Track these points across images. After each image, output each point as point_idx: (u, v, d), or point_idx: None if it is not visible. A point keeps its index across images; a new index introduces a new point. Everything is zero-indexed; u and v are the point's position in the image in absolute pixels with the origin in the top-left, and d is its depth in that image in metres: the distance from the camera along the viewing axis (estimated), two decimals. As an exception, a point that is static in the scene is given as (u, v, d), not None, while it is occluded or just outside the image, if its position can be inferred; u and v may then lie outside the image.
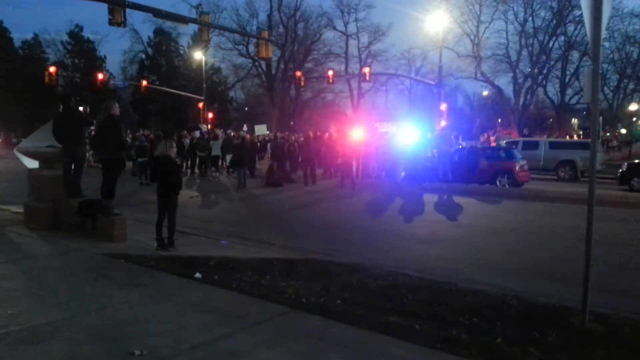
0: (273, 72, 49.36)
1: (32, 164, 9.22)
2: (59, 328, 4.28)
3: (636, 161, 20.61)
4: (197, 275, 5.86)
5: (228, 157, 20.95)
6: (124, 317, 4.54)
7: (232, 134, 27.28)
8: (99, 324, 4.37)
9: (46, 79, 28.59)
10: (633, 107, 54.08)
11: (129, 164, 21.66)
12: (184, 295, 5.25)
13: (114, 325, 4.36)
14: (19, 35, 61.37)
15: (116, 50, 71.61)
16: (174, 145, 7.94)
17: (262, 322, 4.48)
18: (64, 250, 7.11)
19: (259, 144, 26.89)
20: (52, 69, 29.54)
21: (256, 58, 40.17)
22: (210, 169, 21.73)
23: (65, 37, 51.59)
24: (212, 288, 5.48)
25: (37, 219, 8.58)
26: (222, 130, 28.61)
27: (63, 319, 4.48)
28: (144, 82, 38.42)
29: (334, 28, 49.28)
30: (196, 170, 22.00)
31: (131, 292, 5.27)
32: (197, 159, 21.98)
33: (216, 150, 21.43)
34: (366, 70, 29.57)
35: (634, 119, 57.97)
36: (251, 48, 44.50)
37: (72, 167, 8.55)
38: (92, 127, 9.65)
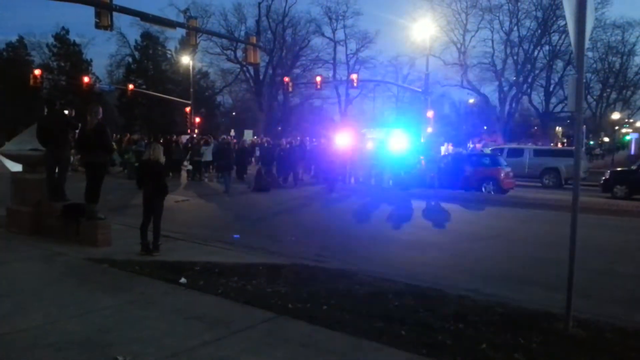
0: (261, 77, 49.38)
1: (16, 167, 9.10)
2: (40, 334, 4.21)
3: (619, 169, 20.95)
4: (182, 280, 5.81)
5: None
6: (106, 323, 4.48)
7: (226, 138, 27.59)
8: (81, 330, 4.31)
9: (31, 82, 28.33)
10: (615, 116, 55.18)
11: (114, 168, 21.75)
12: (169, 300, 5.20)
13: (97, 331, 4.30)
14: (3, 37, 60.78)
15: (103, 53, 70.92)
16: (161, 149, 7.88)
17: (248, 328, 4.45)
18: (47, 255, 7.01)
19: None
20: (37, 72, 29.28)
21: (244, 63, 40.21)
22: (203, 174, 22.18)
23: (51, 40, 51.01)
24: (197, 294, 5.43)
25: (19, 223, 8.45)
26: (205, 136, 28.64)
27: (44, 325, 4.41)
28: (131, 86, 38.21)
29: (322, 34, 49.61)
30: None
31: (114, 298, 5.20)
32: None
33: (208, 156, 21.70)
34: (354, 76, 29.83)
35: (617, 127, 59.11)
36: (239, 53, 44.52)
37: (56, 170, 8.45)
38: (76, 131, 9.56)
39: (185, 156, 23.52)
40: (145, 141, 21.96)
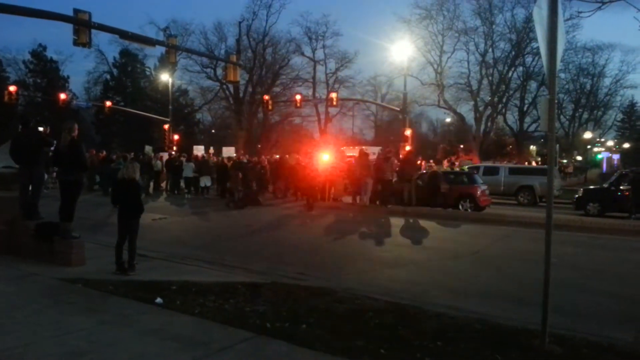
0: (241, 95, 49.37)
1: (-12, 185, 8.89)
2: (12, 357, 4.08)
3: (591, 187, 21.43)
4: (158, 300, 5.71)
5: (203, 179, 21.94)
6: (81, 345, 4.37)
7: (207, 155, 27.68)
8: (55, 352, 4.20)
9: (5, 98, 27.82)
10: (587, 135, 56.74)
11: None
12: (144, 321, 5.10)
13: (71, 353, 4.19)
14: (-23, 53, 59.26)
15: (80, 70, 70.31)
16: (138, 167, 7.80)
17: (226, 349, 4.39)
18: (19, 275, 6.83)
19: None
20: (12, 88, 28.76)
21: (224, 81, 40.15)
22: (182, 190, 22.59)
23: (28, 56, 50.36)
24: (174, 313, 5.34)
25: (-10, 242, 8.22)
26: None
27: (16, 347, 4.28)
28: (108, 103, 37.80)
29: (302, 54, 49.92)
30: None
31: (89, 318, 5.09)
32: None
33: (188, 172, 22.03)
34: (333, 95, 30.00)
35: (589, 146, 60.72)
36: (219, 71, 44.48)
37: (30, 188, 8.28)
38: (51, 148, 9.43)
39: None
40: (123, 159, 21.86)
